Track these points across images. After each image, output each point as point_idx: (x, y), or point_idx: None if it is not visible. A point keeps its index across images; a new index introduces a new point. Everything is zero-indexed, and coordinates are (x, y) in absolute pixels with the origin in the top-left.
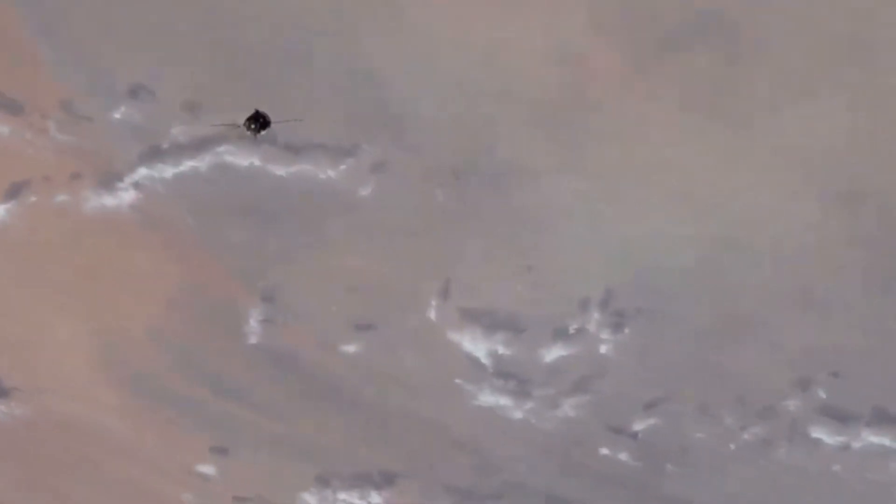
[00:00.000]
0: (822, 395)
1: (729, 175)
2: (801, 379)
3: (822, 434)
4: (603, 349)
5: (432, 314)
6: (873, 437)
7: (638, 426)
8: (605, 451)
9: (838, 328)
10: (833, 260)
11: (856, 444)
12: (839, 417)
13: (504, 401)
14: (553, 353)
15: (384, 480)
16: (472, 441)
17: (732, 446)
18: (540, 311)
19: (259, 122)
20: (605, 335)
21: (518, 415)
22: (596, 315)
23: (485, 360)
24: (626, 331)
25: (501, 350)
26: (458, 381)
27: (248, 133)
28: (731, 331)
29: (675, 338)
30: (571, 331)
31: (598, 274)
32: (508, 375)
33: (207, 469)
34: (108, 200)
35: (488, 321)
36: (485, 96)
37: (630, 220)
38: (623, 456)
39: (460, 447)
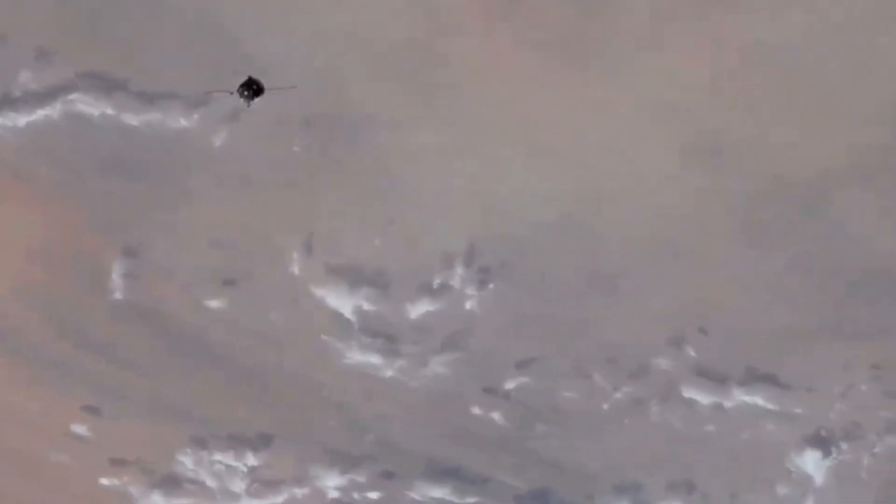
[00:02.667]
0: (692, 352)
1: (589, 128)
2: (671, 337)
3: (695, 394)
4: (468, 305)
5: (296, 269)
6: (746, 397)
7: (509, 385)
8: (477, 410)
9: (704, 283)
10: (697, 213)
11: (728, 404)
12: (711, 377)
13: (373, 358)
14: (419, 309)
15: (260, 441)
16: (344, 400)
17: (605, 406)
18: (404, 266)
19: (252, 88)
20: (470, 291)
21: (388, 373)
22: (460, 270)
23: (351, 317)
24: (491, 286)
25: (367, 306)
26: (325, 337)
27: (242, 100)
28: (597, 287)
29: (542, 294)
30: (436, 286)
31: (461, 228)
32: (376, 332)
33: (81, 429)
34: None
35: (352, 276)
36: (339, 46)
37: (491, 174)
38: (495, 415)
39: (333, 407)
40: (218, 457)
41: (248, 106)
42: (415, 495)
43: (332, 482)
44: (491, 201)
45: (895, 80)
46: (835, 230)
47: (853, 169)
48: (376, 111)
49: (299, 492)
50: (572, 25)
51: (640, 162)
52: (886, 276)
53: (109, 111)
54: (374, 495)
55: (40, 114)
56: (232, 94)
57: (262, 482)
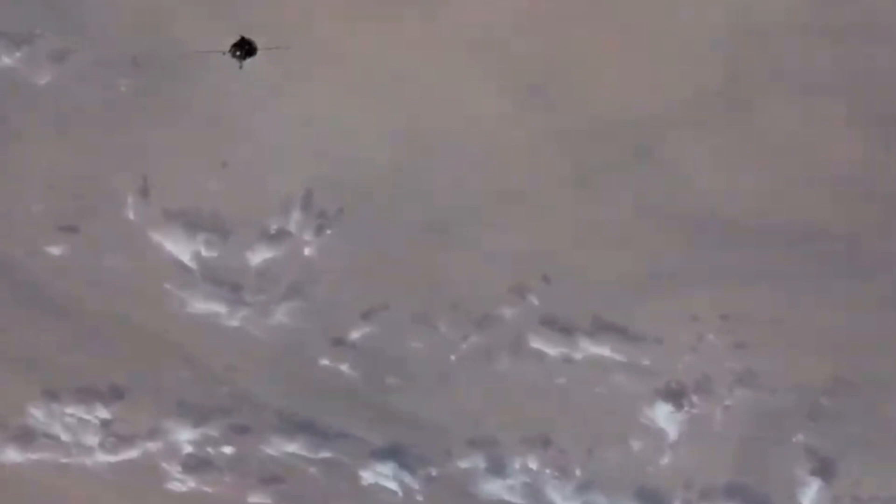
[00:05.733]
0: (536, 301)
1: (419, 70)
2: (514, 285)
3: (542, 344)
4: (307, 251)
5: (132, 214)
6: (594, 348)
7: (355, 335)
8: (325, 361)
9: (544, 229)
10: (530, 156)
11: (577, 356)
12: (557, 327)
13: (217, 307)
14: (259, 256)
15: (113, 394)
16: (193, 352)
17: (453, 357)
18: (240, 211)
19: (244, 48)
20: (308, 237)
21: (233, 322)
22: (297, 215)
23: (191, 264)
24: (329, 232)
25: (206, 252)
26: (167, 286)
27: (234, 60)
28: (436, 233)
29: (381, 241)
30: (273, 232)
31: (297, 172)
32: (218, 280)
33: None
34: None
35: (189, 220)
36: None
37: (322, 116)
38: (344, 367)
39: (182, 358)
40: (70, 410)
41: (241, 67)
42: (269, 450)
43: (185, 436)
44: (324, 145)
45: (721, 20)
46: (670, 174)
47: (684, 111)
48: (199, 47)
49: (153, 446)
50: None
51: (468, 103)
52: (727, 222)
53: None
54: (228, 450)
55: None
56: (224, 54)
57: (116, 436)
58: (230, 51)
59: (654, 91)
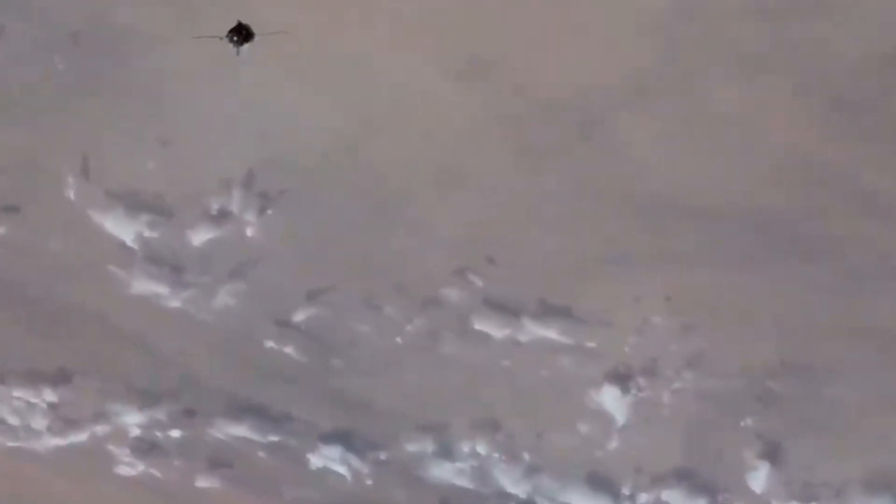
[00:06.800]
0: (480, 283)
1: (361, 50)
2: (458, 267)
3: (487, 326)
4: (249, 232)
5: (72, 194)
6: (540, 331)
7: (300, 317)
8: (270, 343)
9: (489, 210)
10: (475, 136)
11: (523, 338)
12: (502, 309)
13: (160, 289)
14: (201, 237)
15: (60, 377)
16: (138, 334)
17: (399, 340)
18: (181, 191)
19: (242, 34)
20: (250, 217)
21: (176, 304)
22: (239, 196)
23: (133, 245)
24: (270, 212)
25: (148, 233)
26: (110, 267)
27: (231, 45)
28: (379, 214)
29: (324, 222)
30: (215, 212)
31: (238, 153)
32: (160, 261)
33: None
34: None
35: (131, 201)
36: None
37: (262, 93)
38: (290, 350)
39: (128, 341)
40: (17, 393)
41: (238, 53)
42: (217, 434)
43: (132, 419)
44: (265, 126)
45: None
46: (613, 154)
47: (626, 91)
48: (139, 25)
49: (101, 430)
50: None
51: (410, 84)
52: (671, 203)
53: None
54: (175, 433)
55: None
56: (221, 39)
57: (63, 420)
58: (227, 36)
59: (597, 71)
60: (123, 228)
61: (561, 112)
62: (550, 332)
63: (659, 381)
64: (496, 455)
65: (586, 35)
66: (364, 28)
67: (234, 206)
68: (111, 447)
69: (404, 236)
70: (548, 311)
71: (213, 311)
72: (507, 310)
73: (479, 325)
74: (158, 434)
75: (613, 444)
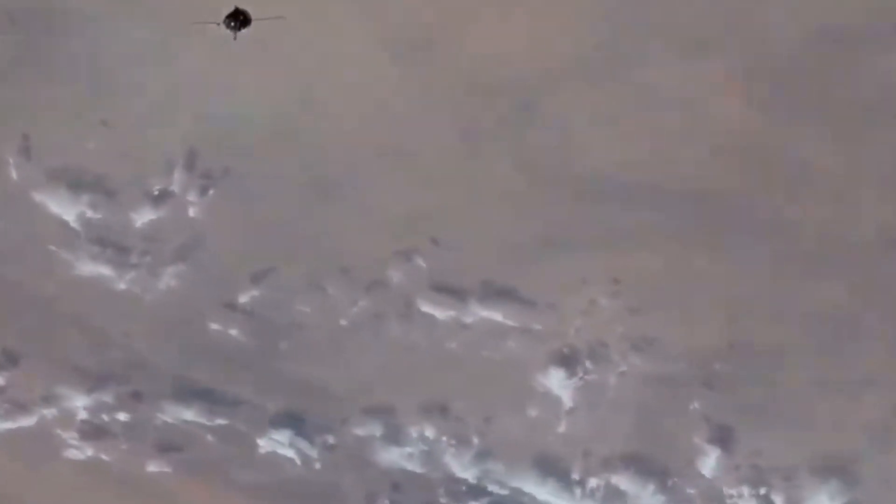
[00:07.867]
0: (424, 264)
1: (302, 30)
2: (402, 248)
3: (432, 308)
4: (192, 212)
5: (14, 174)
6: (484, 313)
7: (244, 299)
8: (215, 326)
9: (432, 190)
10: (418, 115)
11: (468, 320)
12: (447, 290)
13: (104, 270)
14: (143, 217)
15: (7, 360)
16: (84, 316)
17: (343, 322)
18: (122, 171)
19: (239, 19)
20: (192, 197)
21: (121, 285)
22: (180, 176)
23: (76, 226)
24: (212, 192)
25: (90, 213)
26: (53, 248)
27: (229, 30)
28: (323, 194)
29: (267, 202)
30: (157, 192)
31: (179, 131)
32: (103, 242)
33: None
34: None
35: (72, 181)
36: None
37: (204, 75)
38: (234, 332)
39: (73, 323)
40: None
41: (235, 38)
42: (165, 417)
43: (80, 402)
44: (206, 105)
45: None
46: (554, 132)
47: (566, 68)
48: (82, 7)
49: (49, 413)
50: None
51: (350, 61)
52: (613, 182)
53: None
54: (123, 417)
55: None
56: (219, 25)
57: (11, 403)
58: (225, 21)
59: (537, 48)
60: (66, 208)
61: (502, 90)
62: (496, 315)
63: (606, 363)
64: (445, 439)
65: (527, 13)
66: (305, 9)
67: (177, 186)
68: (59, 430)
69: (347, 217)
70: (493, 293)
71: (157, 293)
72: (452, 292)
73: (425, 308)
74: (105, 417)
75: (562, 428)
